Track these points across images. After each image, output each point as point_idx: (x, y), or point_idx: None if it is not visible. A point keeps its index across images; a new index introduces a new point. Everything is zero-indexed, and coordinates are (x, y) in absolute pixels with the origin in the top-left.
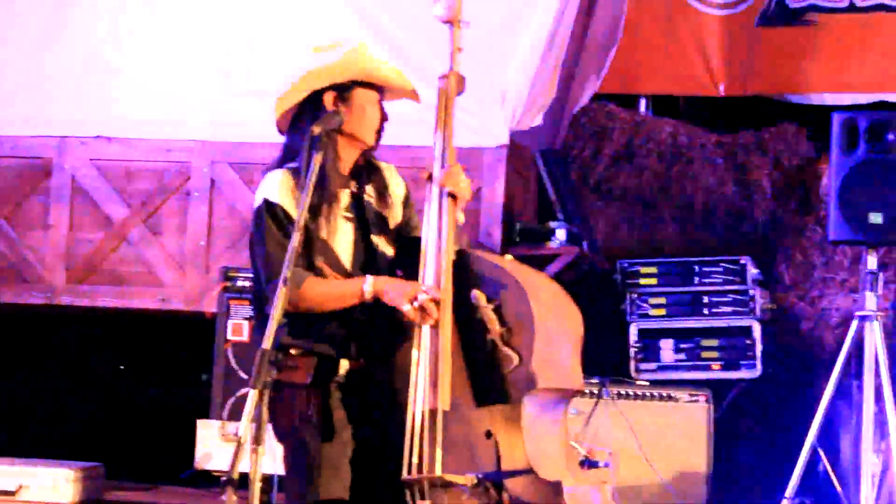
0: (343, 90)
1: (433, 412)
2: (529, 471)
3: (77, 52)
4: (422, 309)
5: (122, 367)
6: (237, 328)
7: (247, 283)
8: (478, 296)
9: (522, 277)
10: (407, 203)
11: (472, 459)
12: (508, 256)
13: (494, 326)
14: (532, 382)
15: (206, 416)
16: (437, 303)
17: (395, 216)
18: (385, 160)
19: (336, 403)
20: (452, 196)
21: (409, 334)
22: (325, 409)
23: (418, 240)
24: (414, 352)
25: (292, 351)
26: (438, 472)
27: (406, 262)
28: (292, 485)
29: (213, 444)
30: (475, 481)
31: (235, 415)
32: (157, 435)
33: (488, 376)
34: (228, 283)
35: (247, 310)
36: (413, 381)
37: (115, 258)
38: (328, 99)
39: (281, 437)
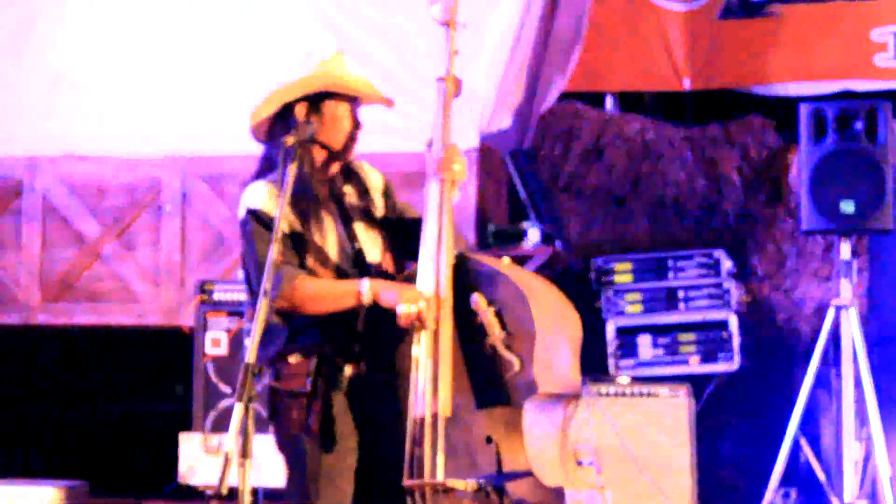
0: (314, 101)
1: (434, 417)
2: (529, 473)
3: (43, 69)
4: (418, 314)
5: (101, 384)
6: (216, 341)
7: (224, 296)
8: (478, 300)
9: (522, 281)
10: (387, 192)
11: (473, 464)
12: (506, 260)
13: (495, 331)
14: (533, 387)
15: (188, 429)
16: (435, 307)
17: (378, 211)
18: None
19: (337, 411)
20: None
21: (409, 338)
22: (326, 417)
23: (411, 221)
24: (414, 356)
25: (290, 359)
26: (440, 477)
27: (403, 247)
28: (292, 495)
29: (195, 458)
30: (476, 486)
31: (217, 427)
32: (139, 450)
33: (488, 381)
34: (205, 296)
35: (225, 322)
36: (413, 386)
37: (89, 275)
38: (300, 111)
39: (280, 446)
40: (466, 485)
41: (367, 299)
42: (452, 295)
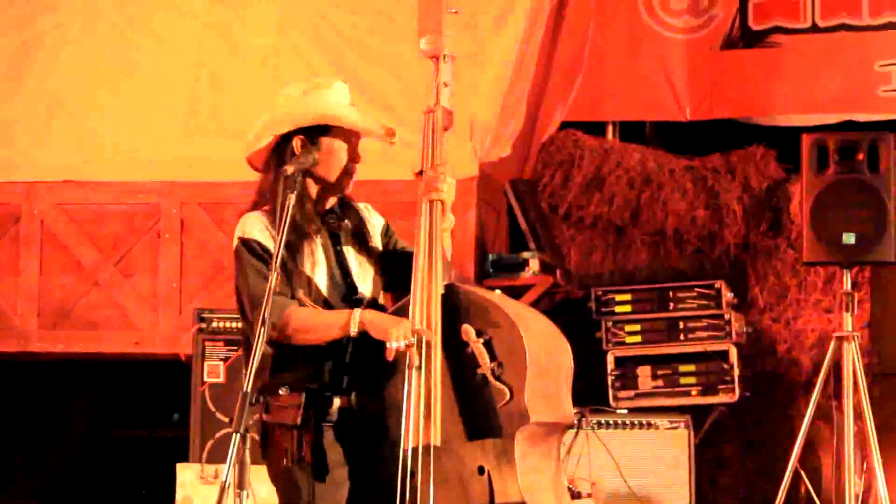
0: (311, 134)
1: (426, 448)
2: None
3: (41, 96)
4: (408, 346)
5: (98, 412)
6: (213, 369)
7: (222, 324)
8: (467, 330)
9: (513, 311)
10: (387, 233)
11: (465, 496)
12: (497, 291)
13: (485, 361)
14: (524, 417)
15: (185, 457)
16: (428, 340)
17: (374, 249)
18: (355, 194)
19: (328, 443)
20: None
21: (399, 369)
22: (318, 448)
23: (405, 254)
24: (405, 387)
25: (281, 391)
26: None
27: (397, 278)
28: None
29: (192, 487)
30: None
31: (214, 457)
32: (135, 479)
33: (479, 411)
34: (203, 325)
35: (222, 351)
36: (405, 418)
37: (86, 302)
38: (296, 143)
39: (273, 478)
40: None
41: (354, 331)
42: (442, 326)
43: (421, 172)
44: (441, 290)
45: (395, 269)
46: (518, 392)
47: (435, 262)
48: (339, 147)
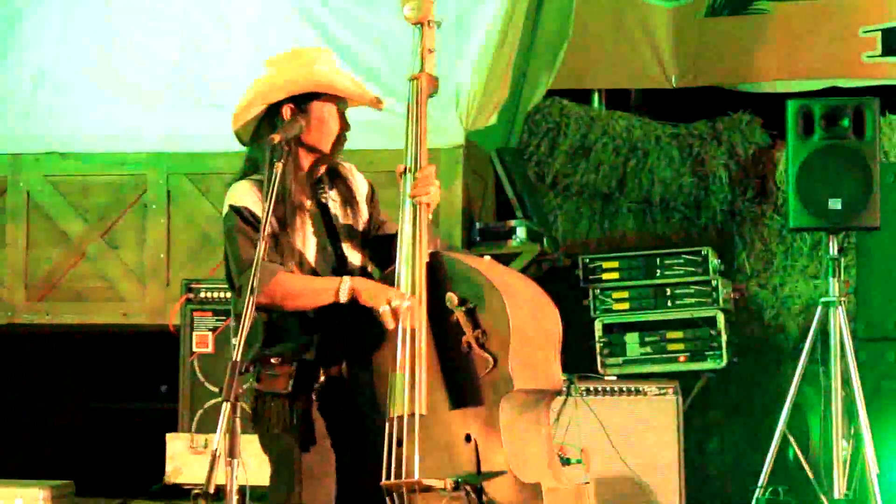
0: (301, 101)
1: (412, 416)
2: (504, 472)
3: (26, 69)
4: (395, 312)
5: (86, 384)
6: (202, 340)
7: (210, 295)
8: (451, 298)
9: (498, 278)
10: (371, 200)
11: (452, 463)
12: (487, 257)
13: (469, 329)
14: (508, 384)
15: (174, 428)
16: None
17: (362, 217)
18: None
19: (317, 411)
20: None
21: (387, 338)
22: (307, 417)
23: (389, 238)
24: (392, 356)
25: (273, 361)
26: (416, 476)
27: (379, 260)
28: (276, 494)
29: (182, 458)
30: (453, 485)
31: (203, 426)
32: (125, 449)
33: (464, 379)
34: (191, 295)
35: (211, 321)
36: (391, 386)
37: (74, 274)
38: (286, 112)
39: (265, 446)
40: (445, 483)
41: (344, 297)
42: (428, 294)
43: (406, 170)
44: (426, 259)
45: (380, 249)
46: (502, 360)
47: (420, 230)
48: (330, 114)
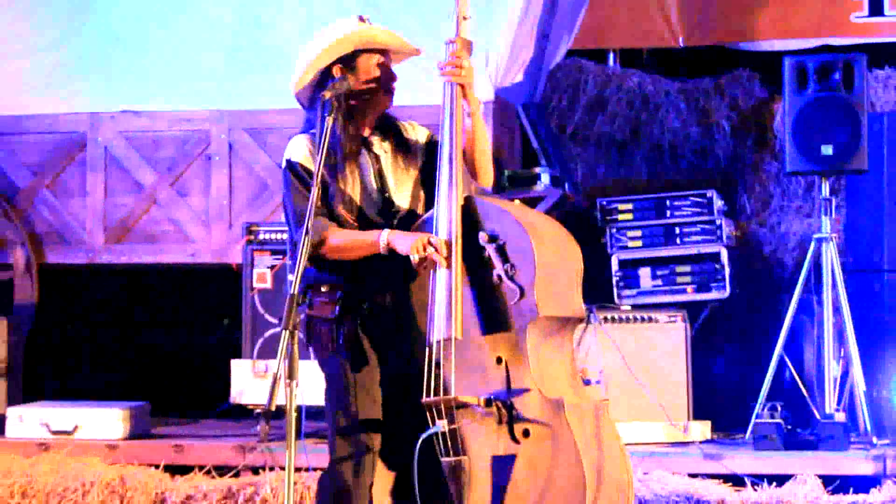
0: (348, 60)
1: (448, 341)
2: (529, 389)
3: (103, 34)
4: (427, 258)
5: (159, 316)
6: (261, 276)
7: (268, 236)
8: (484, 237)
9: (524, 218)
10: (429, 145)
11: (485, 382)
12: (516, 201)
13: (499, 263)
14: (534, 311)
15: (238, 355)
16: (448, 247)
17: (415, 165)
18: None
19: (363, 334)
20: (460, 85)
21: (425, 274)
22: (353, 337)
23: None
24: (430, 287)
25: (322, 288)
26: (453, 393)
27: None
28: (331, 407)
29: (245, 381)
30: (485, 401)
31: (264, 354)
32: (194, 375)
33: (495, 309)
34: (251, 237)
35: (269, 259)
36: (430, 315)
37: (147, 219)
38: (335, 71)
39: (321, 365)
40: (478, 400)
41: (383, 249)
42: (463, 233)
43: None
44: (461, 202)
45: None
46: (528, 290)
47: (456, 176)
48: (376, 65)
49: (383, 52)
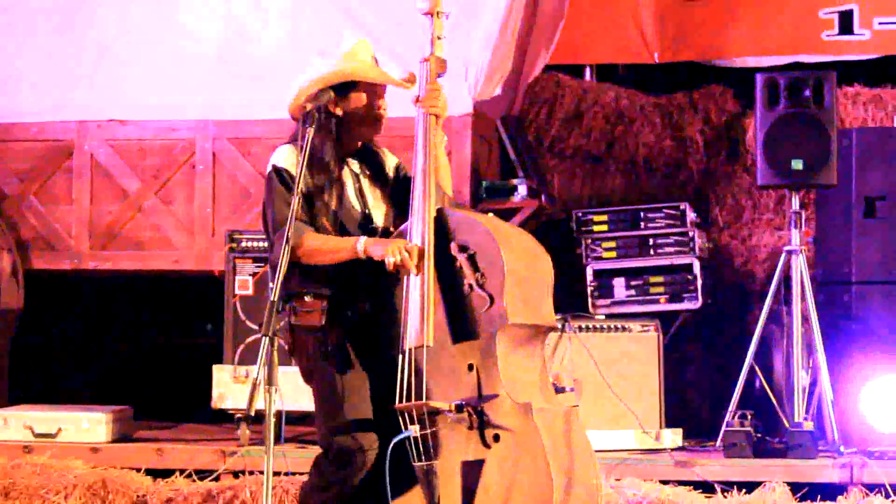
0: (340, 90)
1: (420, 348)
2: (499, 395)
3: (90, 45)
4: (402, 262)
5: (143, 322)
6: (243, 283)
7: (250, 244)
8: (455, 247)
9: (495, 229)
10: (398, 168)
11: (457, 388)
12: (490, 214)
13: (470, 272)
14: (504, 318)
15: (219, 361)
16: (420, 254)
17: (388, 186)
18: None
19: (348, 342)
20: (434, 115)
21: (401, 281)
22: (341, 345)
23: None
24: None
25: (306, 298)
26: (424, 399)
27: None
28: (323, 413)
29: (226, 386)
30: (456, 406)
31: (245, 359)
32: (176, 380)
33: (466, 316)
34: (233, 244)
35: (251, 267)
36: (403, 323)
37: (132, 226)
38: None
39: (306, 376)
40: (449, 405)
41: (361, 254)
42: (435, 244)
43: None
44: (433, 214)
45: (402, 197)
46: (498, 298)
47: (429, 190)
48: (368, 100)
49: (374, 86)
